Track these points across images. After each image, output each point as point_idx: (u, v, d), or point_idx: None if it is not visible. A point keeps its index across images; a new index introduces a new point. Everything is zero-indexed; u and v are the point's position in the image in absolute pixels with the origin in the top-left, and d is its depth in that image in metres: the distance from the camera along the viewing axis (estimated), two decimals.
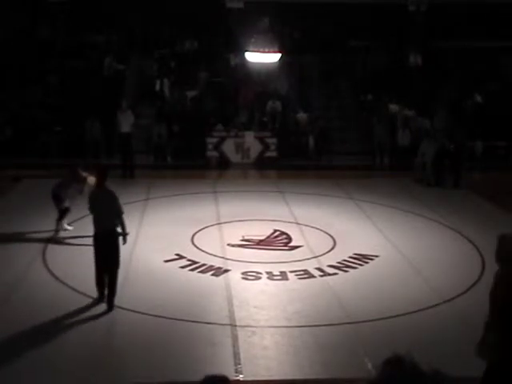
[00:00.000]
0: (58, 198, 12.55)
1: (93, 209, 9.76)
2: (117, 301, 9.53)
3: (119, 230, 9.70)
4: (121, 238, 9.69)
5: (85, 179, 12.59)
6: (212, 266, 11.30)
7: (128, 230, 10.08)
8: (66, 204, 12.70)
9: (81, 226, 12.99)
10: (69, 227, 12.97)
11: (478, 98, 22.64)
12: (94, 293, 9.65)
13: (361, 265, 11.59)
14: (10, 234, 12.77)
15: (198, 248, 12.28)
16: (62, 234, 12.66)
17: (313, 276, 10.99)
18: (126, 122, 18.54)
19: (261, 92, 22.97)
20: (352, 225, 14.04)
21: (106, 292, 9.55)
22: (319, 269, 11.26)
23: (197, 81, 23.00)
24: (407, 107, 21.99)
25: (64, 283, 10.35)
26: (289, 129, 22.12)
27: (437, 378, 2.28)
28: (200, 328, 8.94)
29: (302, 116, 21.98)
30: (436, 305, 9.86)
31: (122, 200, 10.01)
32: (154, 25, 24.45)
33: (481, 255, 12.17)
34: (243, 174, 20.01)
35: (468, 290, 10.51)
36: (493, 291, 6.18)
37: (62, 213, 12.60)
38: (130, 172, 18.23)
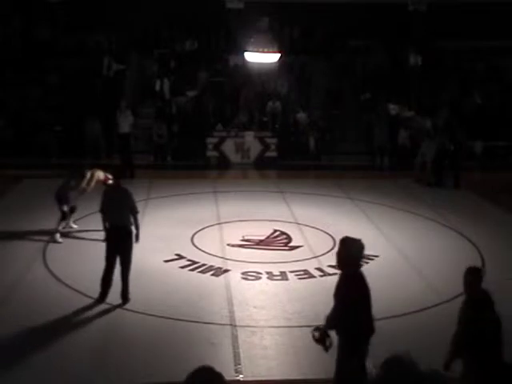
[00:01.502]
0: (60, 200, 12.56)
1: (107, 205, 9.82)
2: (116, 301, 9.55)
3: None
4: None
5: (89, 180, 12.68)
6: (212, 266, 11.30)
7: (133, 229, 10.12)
8: (71, 204, 12.71)
9: (82, 224, 13.04)
10: (74, 225, 12.99)
11: (477, 98, 22.63)
12: (94, 293, 9.66)
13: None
14: (10, 234, 12.76)
15: (197, 248, 12.28)
16: (62, 233, 12.68)
17: (313, 276, 10.99)
18: (125, 123, 18.56)
19: (261, 92, 22.97)
20: (352, 225, 14.02)
21: (108, 292, 9.60)
22: (319, 269, 11.26)
23: (197, 81, 23.00)
24: (407, 107, 22.00)
25: (64, 283, 10.35)
26: (289, 129, 22.12)
27: (435, 377, 2.29)
28: (200, 328, 8.94)
29: (301, 116, 21.98)
30: (436, 305, 9.86)
31: None
32: (154, 25, 24.45)
33: (481, 255, 12.17)
34: (243, 174, 20.01)
35: None
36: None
37: (64, 214, 12.60)
38: (129, 172, 18.22)
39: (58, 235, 12.49)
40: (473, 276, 6.24)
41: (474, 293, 6.15)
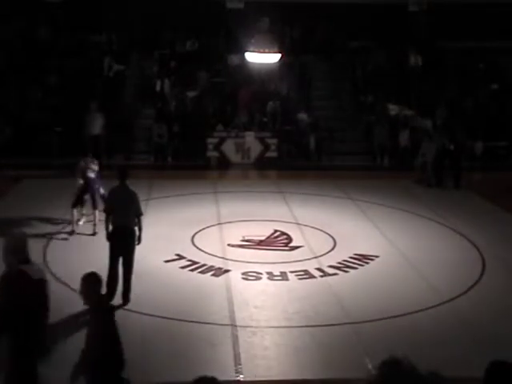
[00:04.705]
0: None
1: (113, 206, 9.82)
2: (116, 301, 9.54)
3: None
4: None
5: None
6: (212, 266, 11.31)
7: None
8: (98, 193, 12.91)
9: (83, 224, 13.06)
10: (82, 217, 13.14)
11: (470, 103, 22.58)
12: None
13: (361, 265, 11.59)
14: (10, 234, 12.74)
15: (198, 248, 12.29)
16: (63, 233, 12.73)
17: (313, 276, 11.00)
18: (96, 125, 18.60)
19: (261, 92, 22.96)
20: (352, 225, 14.04)
21: (115, 292, 9.60)
22: (319, 269, 11.27)
23: (197, 81, 22.99)
24: (407, 107, 21.98)
25: (64, 283, 10.35)
26: (289, 129, 22.10)
27: (433, 379, 2.29)
28: (200, 328, 8.95)
29: (302, 116, 21.96)
30: (436, 305, 9.86)
31: None
32: (154, 25, 24.43)
33: (481, 255, 12.18)
34: (243, 175, 20.01)
35: (468, 290, 10.52)
36: None
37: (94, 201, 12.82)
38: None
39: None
40: (85, 285, 6.07)
41: (90, 302, 6.04)
